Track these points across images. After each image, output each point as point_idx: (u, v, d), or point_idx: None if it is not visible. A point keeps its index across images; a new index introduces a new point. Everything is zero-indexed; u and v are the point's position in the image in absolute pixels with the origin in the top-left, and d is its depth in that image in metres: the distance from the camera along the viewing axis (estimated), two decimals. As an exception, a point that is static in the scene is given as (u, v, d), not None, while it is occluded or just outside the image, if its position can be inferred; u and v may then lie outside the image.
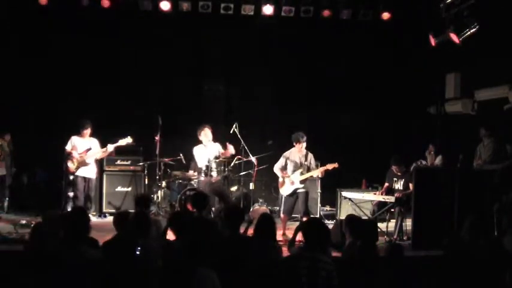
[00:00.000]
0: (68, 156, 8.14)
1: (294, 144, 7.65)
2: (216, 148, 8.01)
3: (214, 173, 7.83)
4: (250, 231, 5.02)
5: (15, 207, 9.17)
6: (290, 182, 7.61)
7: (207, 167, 7.78)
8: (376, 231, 7.00)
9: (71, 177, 8.18)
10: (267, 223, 4.62)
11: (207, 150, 7.92)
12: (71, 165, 8.13)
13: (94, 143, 8.35)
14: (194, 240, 3.86)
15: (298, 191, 7.61)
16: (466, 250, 4.42)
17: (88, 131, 8.24)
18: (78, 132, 8.23)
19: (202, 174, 7.86)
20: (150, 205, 6.40)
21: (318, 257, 3.92)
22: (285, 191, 7.70)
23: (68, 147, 8.19)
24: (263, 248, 4.43)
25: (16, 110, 9.44)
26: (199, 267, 3.62)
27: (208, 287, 3.59)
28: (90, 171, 8.31)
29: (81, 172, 8.22)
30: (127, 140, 8.28)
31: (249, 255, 4.33)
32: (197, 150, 8.02)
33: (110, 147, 8.28)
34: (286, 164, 7.69)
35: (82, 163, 8.17)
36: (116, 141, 8.27)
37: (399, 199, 7.34)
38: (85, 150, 8.19)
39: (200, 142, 7.99)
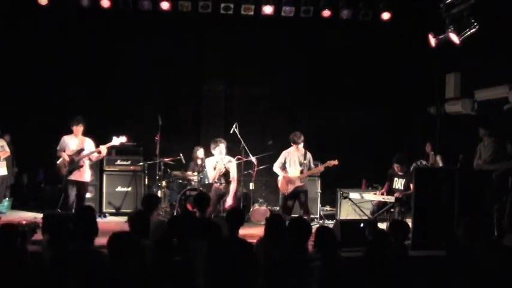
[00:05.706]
0: (59, 157, 7.49)
1: (292, 144, 7.67)
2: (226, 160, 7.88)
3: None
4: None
5: (16, 207, 9.19)
6: (290, 181, 7.61)
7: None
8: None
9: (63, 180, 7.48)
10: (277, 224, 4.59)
11: (218, 166, 7.75)
12: (62, 168, 7.47)
13: (88, 143, 7.61)
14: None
15: (298, 190, 7.61)
16: (465, 251, 4.41)
17: (80, 128, 7.53)
18: (70, 131, 7.58)
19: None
20: (156, 207, 6.16)
21: (309, 256, 3.93)
22: (284, 190, 7.70)
23: (59, 148, 7.53)
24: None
25: (16, 110, 9.44)
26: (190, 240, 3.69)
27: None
28: (83, 175, 7.55)
29: (73, 176, 7.46)
30: (120, 140, 7.64)
31: (246, 257, 4.33)
32: (209, 164, 7.84)
33: (103, 149, 7.56)
34: (285, 163, 7.70)
35: (73, 165, 7.44)
36: (110, 141, 7.67)
37: (399, 199, 7.34)
38: (76, 152, 7.50)
39: (212, 154, 7.85)
